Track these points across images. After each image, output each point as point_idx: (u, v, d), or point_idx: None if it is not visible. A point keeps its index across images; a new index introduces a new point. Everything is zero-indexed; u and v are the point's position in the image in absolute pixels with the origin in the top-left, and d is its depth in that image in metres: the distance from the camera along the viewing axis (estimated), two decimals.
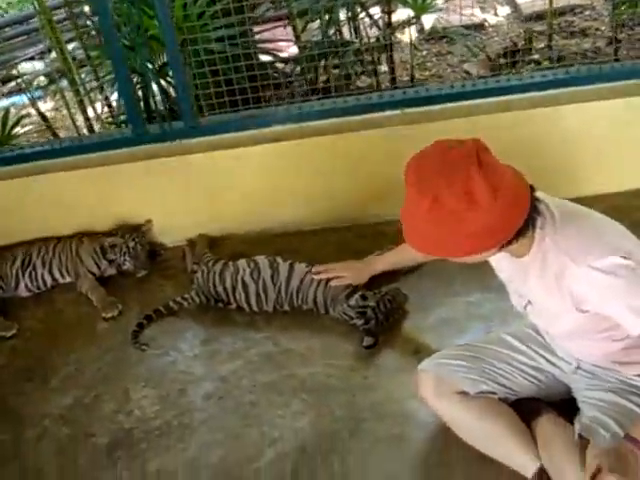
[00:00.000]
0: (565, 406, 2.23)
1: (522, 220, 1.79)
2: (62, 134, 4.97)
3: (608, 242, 1.84)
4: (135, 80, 3.71)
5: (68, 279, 3.39)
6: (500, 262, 2.13)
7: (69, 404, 2.76)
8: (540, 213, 1.89)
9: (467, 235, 1.75)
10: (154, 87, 3.68)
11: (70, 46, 4.69)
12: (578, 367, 2.21)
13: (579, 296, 1.88)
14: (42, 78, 6.09)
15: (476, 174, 1.69)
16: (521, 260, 1.97)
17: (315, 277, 2.95)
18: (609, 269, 1.79)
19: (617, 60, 4.21)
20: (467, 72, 5.03)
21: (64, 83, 4.72)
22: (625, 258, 1.80)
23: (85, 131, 4.53)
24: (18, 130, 4.43)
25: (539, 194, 1.92)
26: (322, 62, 4.36)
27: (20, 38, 6.99)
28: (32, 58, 6.64)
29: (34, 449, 2.59)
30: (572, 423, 2.10)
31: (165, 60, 3.94)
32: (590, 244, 1.84)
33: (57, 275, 3.38)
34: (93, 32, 4.46)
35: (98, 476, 2.45)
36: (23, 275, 3.35)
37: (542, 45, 5.03)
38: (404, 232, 1.86)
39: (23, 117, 4.70)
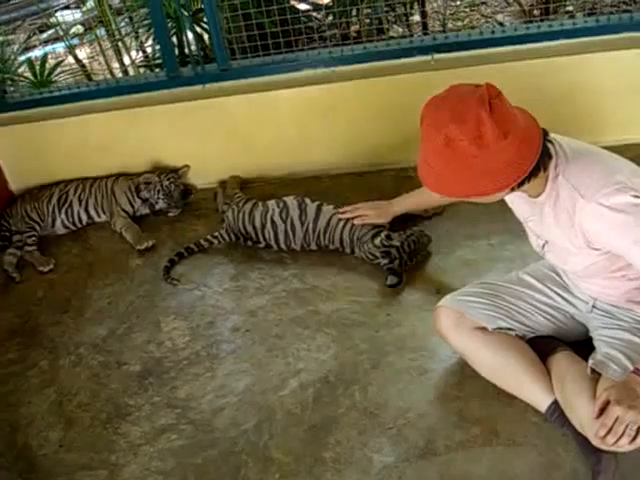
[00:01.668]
0: (581, 346, 2.27)
1: (533, 161, 1.83)
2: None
3: (618, 180, 1.87)
4: (170, 25, 3.76)
5: (103, 217, 3.49)
6: (517, 203, 2.19)
7: (103, 334, 2.88)
8: (553, 154, 1.93)
9: (478, 176, 1.80)
10: (188, 32, 3.72)
11: None
12: (594, 306, 2.25)
13: (589, 233, 1.92)
14: (78, 26, 6.14)
15: (487, 118, 1.74)
16: (536, 200, 2.03)
17: (340, 216, 3.01)
18: (618, 207, 1.83)
19: None
20: (500, 23, 4.99)
21: (100, 32, 4.78)
22: (635, 197, 1.83)
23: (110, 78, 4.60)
24: (55, 77, 4.51)
25: (552, 136, 1.96)
26: (354, 10, 4.36)
27: None
28: (67, 7, 6.69)
29: (69, 375, 2.71)
30: (587, 361, 2.15)
31: (199, 6, 3.99)
32: (600, 181, 1.88)
33: (93, 213, 3.49)
34: None
35: (130, 401, 2.56)
36: (60, 212, 3.45)
37: None
38: (419, 174, 1.94)
39: (60, 62, 4.76)
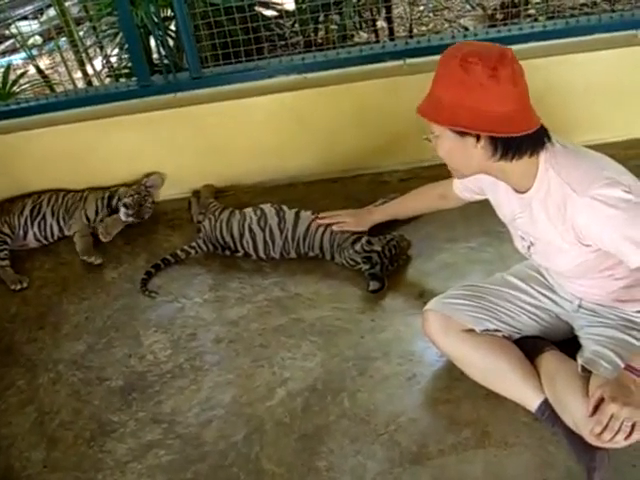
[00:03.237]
0: (567, 345, 2.29)
1: (527, 128, 1.88)
2: (60, 91, 4.95)
3: (609, 175, 1.90)
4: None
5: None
6: (504, 202, 2.20)
7: (82, 350, 2.81)
8: (545, 146, 1.96)
9: (471, 107, 1.85)
10: (154, 40, 3.68)
11: (66, 3, 4.67)
12: (580, 306, 2.27)
13: (581, 228, 1.93)
14: (37, 37, 6.06)
15: (507, 61, 1.83)
16: (524, 195, 2.04)
17: (320, 222, 3.00)
18: (610, 201, 1.85)
19: (614, 11, 4.23)
20: (464, 27, 5.04)
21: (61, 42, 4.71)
22: (626, 192, 1.86)
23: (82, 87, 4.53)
24: (16, 88, 4.43)
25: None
26: (321, 16, 4.36)
27: None
28: (25, 17, 6.59)
29: (49, 393, 2.64)
30: (574, 359, 2.16)
31: (166, 14, 3.95)
32: (592, 176, 1.90)
33: (62, 224, 3.41)
34: None
35: (114, 417, 2.50)
36: (32, 224, 3.37)
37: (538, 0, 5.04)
38: (421, 104, 1.98)
39: (23, 74, 4.68)
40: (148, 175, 3.47)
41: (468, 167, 2.02)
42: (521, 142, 1.90)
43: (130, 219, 3.35)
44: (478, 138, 1.90)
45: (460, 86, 1.84)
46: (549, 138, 1.97)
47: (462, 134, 1.91)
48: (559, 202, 1.95)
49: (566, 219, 1.95)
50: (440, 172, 3.20)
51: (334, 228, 2.98)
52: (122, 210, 3.34)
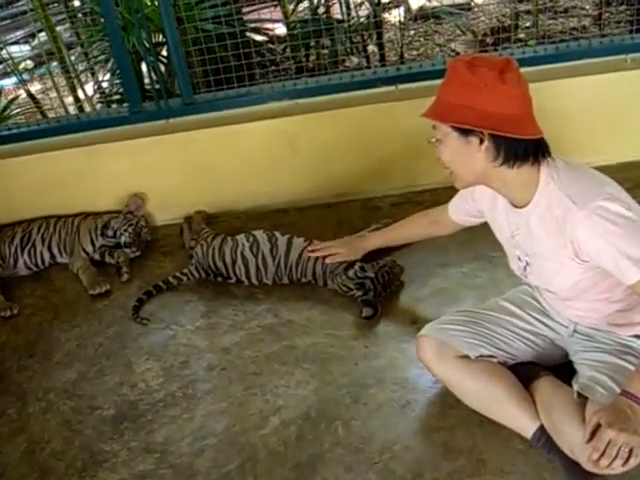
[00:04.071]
0: (561, 370, 2.28)
1: (531, 133, 1.91)
2: (51, 117, 4.96)
3: (610, 191, 1.93)
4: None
5: (65, 257, 3.40)
6: (501, 219, 2.20)
7: (73, 378, 2.78)
8: (547, 159, 1.98)
9: (475, 106, 1.88)
10: (146, 66, 3.69)
11: (58, 28, 4.68)
12: (575, 330, 2.27)
13: (579, 242, 1.94)
14: (28, 62, 6.06)
15: (513, 67, 1.89)
16: (523, 210, 2.05)
17: (311, 254, 2.99)
18: (610, 215, 1.87)
19: (604, 36, 4.27)
20: (454, 51, 5.07)
21: (52, 67, 4.72)
22: (626, 209, 1.88)
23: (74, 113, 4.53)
24: (7, 113, 4.43)
25: None
26: (312, 42, 4.38)
27: (3, 22, 6.93)
28: (16, 42, 6.59)
29: (40, 422, 2.61)
30: (569, 385, 2.16)
31: (158, 40, 3.96)
32: (593, 190, 1.93)
33: (55, 252, 3.39)
34: (81, 14, 4.47)
35: (105, 447, 2.47)
36: (22, 252, 3.35)
37: (528, 24, 5.08)
38: (426, 110, 2.00)
39: (15, 99, 4.68)
40: (127, 202, 3.45)
41: (470, 172, 2.02)
42: (524, 147, 1.92)
43: (138, 253, 3.35)
44: (481, 140, 1.91)
45: (466, 87, 1.88)
46: (549, 153, 1.98)
47: (466, 134, 1.93)
48: (559, 216, 1.96)
49: (565, 233, 1.95)
50: (432, 197, 3.29)
51: (327, 261, 2.96)
52: (127, 251, 3.34)
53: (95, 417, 2.60)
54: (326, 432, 2.38)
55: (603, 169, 2.07)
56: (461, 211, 2.51)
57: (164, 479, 2.32)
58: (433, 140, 2.01)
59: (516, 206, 2.07)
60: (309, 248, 3.02)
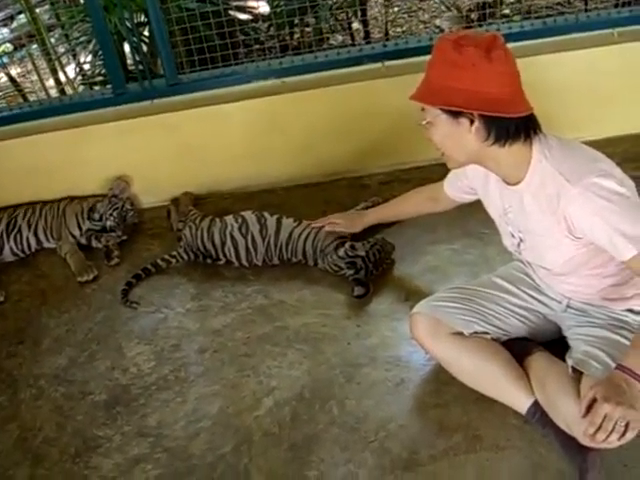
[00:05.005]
0: (555, 346, 2.29)
1: (521, 110, 1.89)
2: (33, 100, 4.89)
3: (602, 167, 1.92)
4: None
5: (52, 242, 3.36)
6: (494, 196, 2.19)
7: (63, 364, 2.76)
8: (538, 136, 1.97)
9: (462, 87, 1.86)
10: (129, 47, 3.64)
11: (37, 10, 4.60)
12: (568, 306, 2.27)
13: (572, 218, 1.93)
14: (8, 45, 5.97)
15: (500, 44, 1.86)
16: (516, 188, 2.04)
17: (313, 225, 2.99)
18: (603, 192, 1.86)
19: (588, 10, 4.26)
20: (439, 28, 5.04)
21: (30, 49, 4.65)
22: (619, 185, 1.87)
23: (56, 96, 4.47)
24: None
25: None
26: (296, 20, 4.34)
27: None
28: None
29: (32, 409, 2.59)
30: (563, 360, 2.16)
31: (140, 20, 3.91)
32: (586, 167, 1.92)
33: (42, 237, 3.35)
34: None
35: (98, 432, 2.45)
36: (8, 238, 3.31)
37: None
38: (415, 91, 1.97)
39: None
40: (111, 186, 3.41)
41: (462, 153, 2.01)
42: (515, 125, 1.90)
43: (124, 237, 3.32)
44: (472, 121, 1.90)
45: (453, 67, 1.85)
46: (540, 129, 1.97)
47: (456, 116, 1.91)
48: (552, 193, 1.94)
49: (558, 210, 1.94)
50: (420, 175, 3.28)
51: (326, 228, 2.97)
52: (113, 235, 3.30)
53: (87, 402, 2.58)
54: (321, 412, 2.38)
55: (591, 143, 2.07)
56: (455, 188, 2.50)
57: (159, 463, 2.31)
58: (424, 123, 1.99)
59: (509, 183, 2.06)
60: (313, 224, 3.02)
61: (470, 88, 1.85)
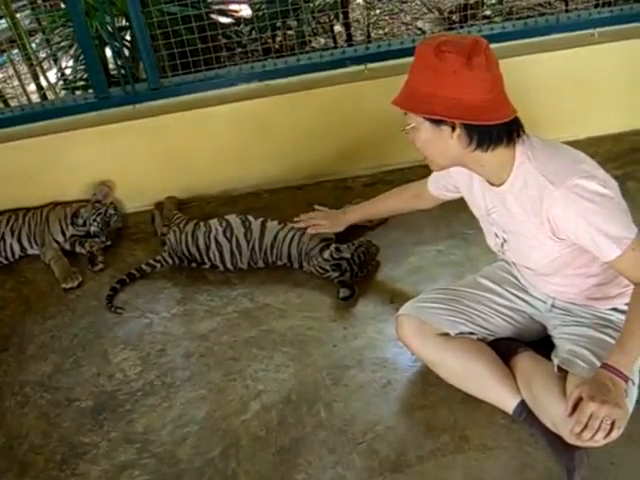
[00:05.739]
0: (540, 345, 2.30)
1: (502, 117, 1.88)
2: (14, 105, 4.86)
3: (585, 169, 1.93)
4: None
5: (36, 248, 3.33)
6: (477, 196, 2.20)
7: (48, 371, 2.73)
8: (521, 138, 1.97)
9: (444, 95, 1.85)
10: (111, 51, 3.63)
11: (18, 15, 4.58)
12: (553, 305, 2.29)
13: (556, 220, 1.94)
14: None
15: (481, 50, 1.84)
16: (499, 189, 2.05)
17: (295, 226, 2.98)
18: (586, 193, 1.87)
19: (568, 11, 4.29)
20: (420, 29, 5.06)
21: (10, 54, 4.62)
22: (602, 186, 1.88)
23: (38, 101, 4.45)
24: None
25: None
26: (278, 23, 4.34)
27: None
28: None
29: (17, 416, 2.56)
30: (549, 360, 2.18)
31: (122, 24, 3.89)
32: (569, 168, 1.92)
33: (25, 244, 3.32)
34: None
35: (85, 439, 2.44)
36: None
37: (493, 1, 5.08)
38: (396, 96, 1.96)
39: None
40: (95, 191, 3.38)
41: (445, 158, 2.01)
42: (497, 131, 1.90)
43: (108, 242, 3.29)
44: (454, 128, 1.90)
45: (434, 74, 1.85)
46: (524, 131, 1.98)
47: (438, 123, 1.91)
48: (535, 195, 1.95)
49: (542, 211, 1.95)
50: (404, 176, 3.28)
51: (309, 231, 2.96)
52: (97, 240, 3.28)
53: (73, 409, 2.56)
54: (308, 415, 2.38)
55: (573, 144, 2.08)
56: (439, 186, 2.51)
57: (146, 469, 2.30)
58: (407, 128, 1.99)
59: (493, 184, 2.07)
60: (294, 220, 3.00)
61: (451, 95, 1.85)
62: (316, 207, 3.10)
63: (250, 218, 3.04)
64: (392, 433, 2.27)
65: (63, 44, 4.15)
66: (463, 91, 1.84)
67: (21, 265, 3.34)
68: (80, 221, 3.31)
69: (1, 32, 4.83)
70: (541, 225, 1.98)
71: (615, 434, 1.85)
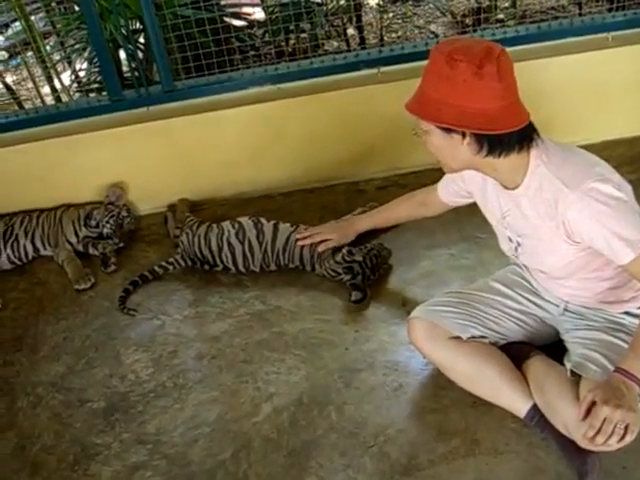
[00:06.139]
0: (552, 349, 2.29)
1: (512, 125, 1.87)
2: (29, 107, 4.88)
3: (600, 172, 1.92)
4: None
5: (49, 250, 3.35)
6: (492, 200, 2.20)
7: (61, 372, 2.75)
8: (535, 142, 1.97)
9: (454, 104, 1.85)
10: (125, 54, 3.64)
11: (32, 17, 4.60)
12: (565, 309, 2.28)
13: (571, 223, 1.94)
14: (3, 53, 5.96)
15: (493, 57, 1.82)
16: (514, 192, 2.04)
17: (301, 242, 2.96)
18: (601, 197, 1.87)
19: (582, 15, 4.28)
20: (433, 33, 5.05)
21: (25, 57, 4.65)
22: (617, 189, 1.88)
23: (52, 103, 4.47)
24: None
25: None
26: (291, 26, 4.35)
27: None
28: None
29: (29, 417, 2.58)
30: (561, 363, 2.17)
31: (135, 27, 3.91)
32: (584, 172, 1.92)
33: (39, 245, 3.34)
34: (56, 2, 4.41)
35: (97, 440, 2.45)
36: (5, 246, 3.29)
37: (507, 4, 5.07)
38: (409, 100, 1.97)
39: None
40: (107, 193, 3.39)
41: (457, 162, 2.01)
42: (507, 139, 1.90)
43: (121, 244, 3.30)
44: (464, 135, 1.90)
45: (445, 82, 1.85)
46: (538, 135, 1.97)
47: (448, 131, 1.91)
48: (550, 198, 1.95)
49: (557, 215, 1.95)
50: (417, 179, 3.28)
51: (319, 249, 2.93)
52: (110, 242, 3.29)
53: (85, 410, 2.57)
54: (319, 417, 2.38)
55: (586, 147, 2.08)
56: (450, 192, 2.50)
57: (158, 470, 2.31)
58: (420, 131, 1.99)
59: (507, 188, 2.06)
60: (298, 236, 2.99)
61: (461, 104, 1.84)
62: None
63: (262, 220, 3.05)
64: (403, 436, 2.27)
65: (77, 47, 4.17)
66: (473, 100, 1.84)
67: (34, 266, 3.35)
68: (93, 223, 3.32)
69: (16, 35, 4.86)
70: (556, 228, 1.98)
71: (629, 438, 1.84)
